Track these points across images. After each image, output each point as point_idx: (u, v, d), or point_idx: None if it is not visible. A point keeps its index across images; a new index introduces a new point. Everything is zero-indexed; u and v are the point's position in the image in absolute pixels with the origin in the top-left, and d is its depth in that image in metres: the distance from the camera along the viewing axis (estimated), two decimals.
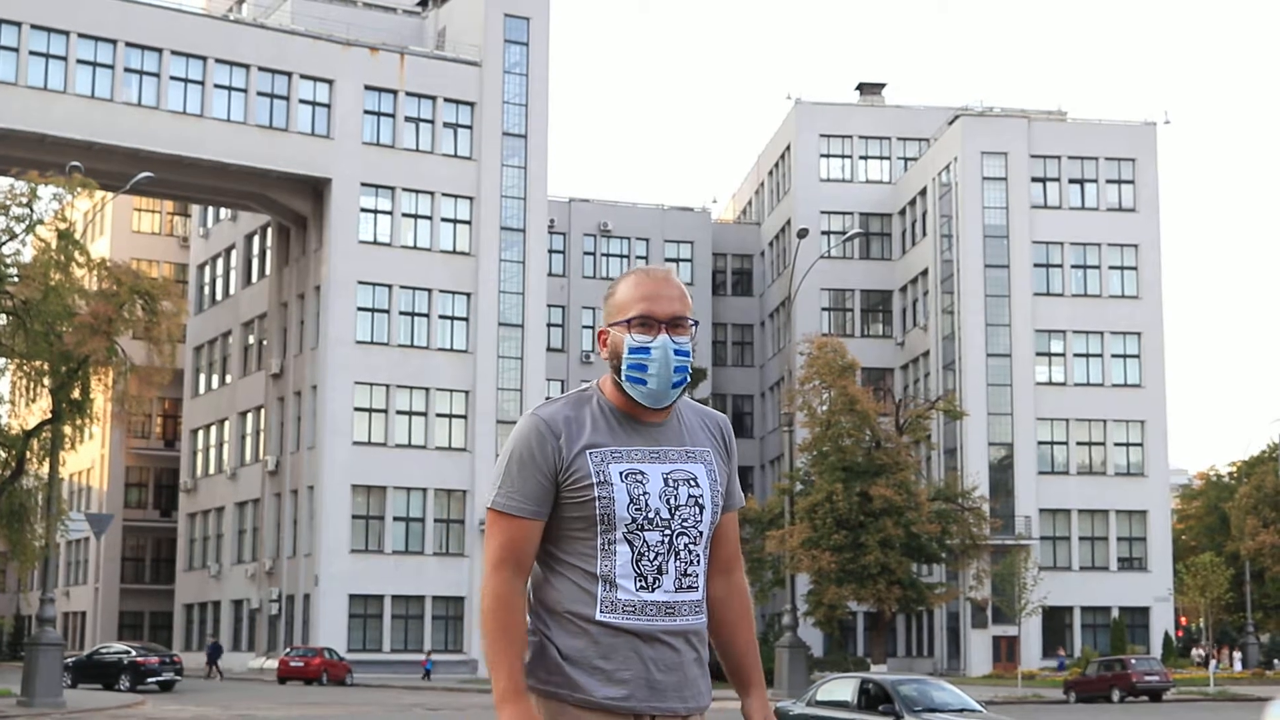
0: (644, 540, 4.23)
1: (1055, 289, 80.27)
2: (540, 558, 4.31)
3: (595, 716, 4.17)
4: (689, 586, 4.29)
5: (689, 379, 4.37)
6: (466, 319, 74.36)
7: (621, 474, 4.24)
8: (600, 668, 4.17)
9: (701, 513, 4.31)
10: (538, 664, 4.23)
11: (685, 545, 4.27)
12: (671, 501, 4.27)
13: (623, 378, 4.30)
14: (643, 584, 4.22)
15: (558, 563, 4.27)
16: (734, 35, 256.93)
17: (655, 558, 4.23)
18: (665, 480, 4.28)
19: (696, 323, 4.39)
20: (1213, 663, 64.88)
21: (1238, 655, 75.45)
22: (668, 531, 4.25)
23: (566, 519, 4.25)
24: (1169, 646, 75.03)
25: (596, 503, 4.21)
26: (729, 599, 4.50)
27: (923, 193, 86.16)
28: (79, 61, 68.07)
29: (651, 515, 4.23)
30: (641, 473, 4.26)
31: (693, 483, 4.32)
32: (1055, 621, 76.36)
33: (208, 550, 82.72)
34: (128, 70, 69.13)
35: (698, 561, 4.32)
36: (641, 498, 4.23)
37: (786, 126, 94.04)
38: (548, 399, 4.41)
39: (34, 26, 67.25)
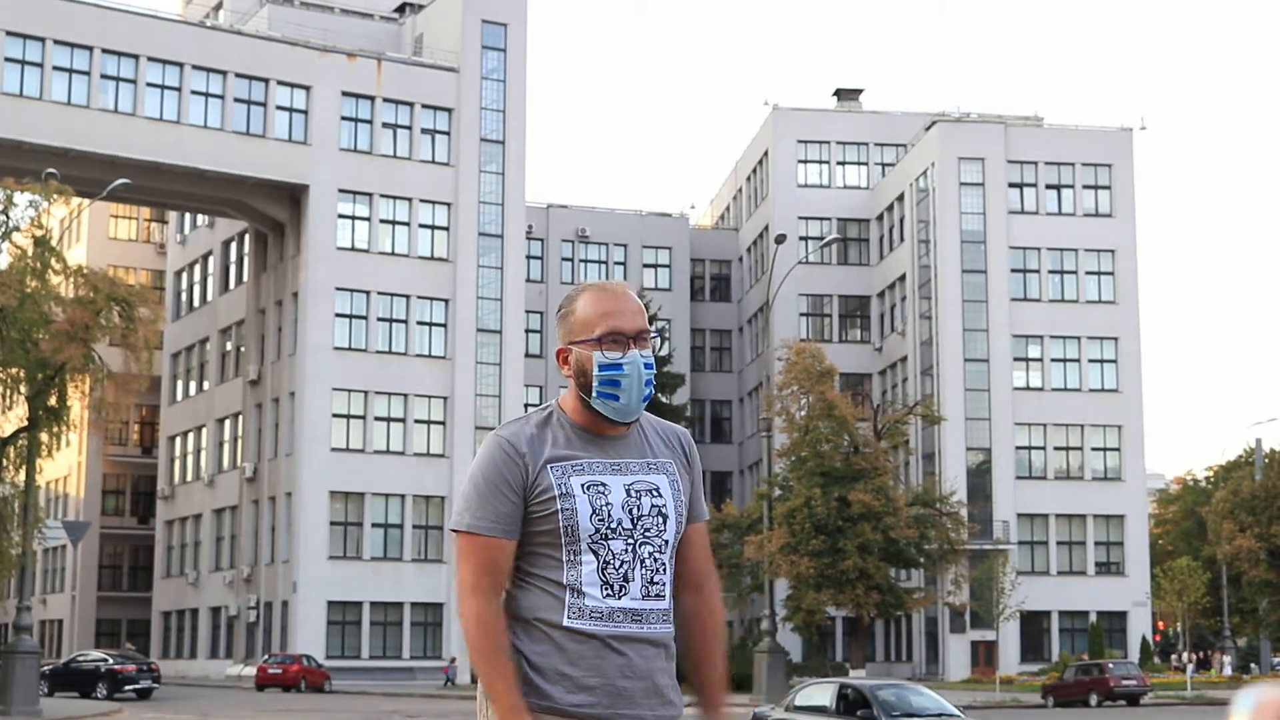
0: (609, 549, 4.25)
1: (1032, 294, 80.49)
2: None
3: None
4: (656, 595, 4.32)
5: (654, 391, 4.41)
6: (445, 325, 74.32)
7: (583, 486, 4.27)
8: (566, 674, 4.19)
9: (665, 522, 4.34)
10: None
11: (650, 554, 4.30)
12: (634, 512, 4.30)
13: (593, 395, 4.33)
14: (609, 591, 4.25)
15: (525, 575, 4.29)
16: (712, 41, 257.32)
17: (621, 565, 4.26)
18: (628, 491, 4.32)
19: (658, 332, 4.44)
20: (1190, 666, 65.12)
21: (1227, 660, 75.73)
22: (631, 540, 4.28)
23: (532, 533, 4.27)
24: (1146, 651, 75.24)
25: (560, 515, 4.24)
26: (701, 616, 4.52)
27: (900, 198, 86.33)
28: (55, 68, 67.90)
29: (614, 525, 4.26)
30: (603, 484, 4.30)
31: (655, 493, 4.35)
32: (1033, 626, 76.48)
33: (185, 557, 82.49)
34: (104, 76, 68.99)
35: (664, 570, 4.34)
36: (604, 508, 4.26)
37: (764, 132, 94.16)
38: (522, 416, 4.43)
39: (9, 33, 67.07)
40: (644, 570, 4.29)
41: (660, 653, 4.33)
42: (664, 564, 4.34)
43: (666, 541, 4.35)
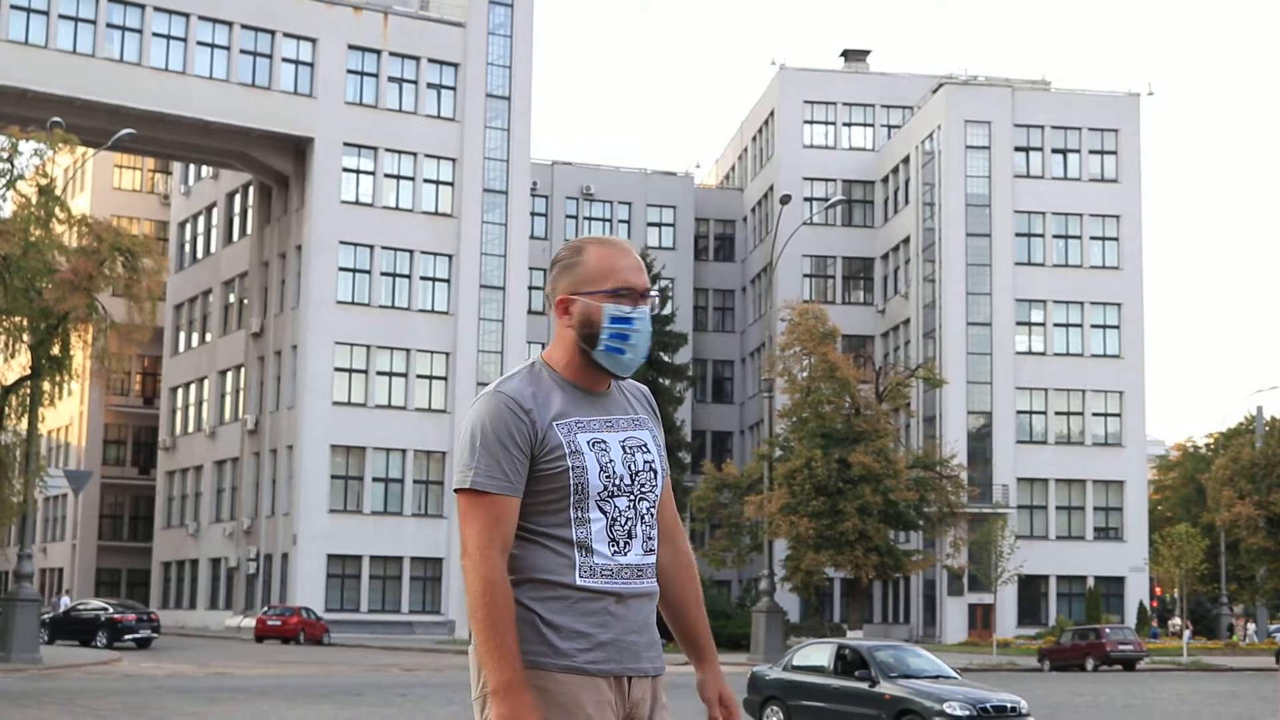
0: (615, 506, 4.27)
1: (1036, 259, 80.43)
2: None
3: (577, 679, 4.19)
4: (650, 550, 4.36)
5: (651, 351, 4.47)
6: (448, 280, 74.31)
7: (589, 443, 4.28)
8: (581, 632, 4.19)
9: (656, 477, 4.39)
10: (519, 633, 4.21)
11: (647, 509, 4.34)
12: (632, 467, 4.32)
13: (600, 346, 4.33)
14: (616, 548, 4.27)
15: (533, 534, 4.26)
16: (719, 0, 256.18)
17: (626, 523, 4.29)
18: (623, 448, 4.34)
19: (658, 294, 4.48)
20: (1187, 633, 65.33)
21: (1251, 627, 75.96)
22: (633, 497, 4.31)
23: (538, 491, 4.25)
24: (1143, 616, 75.47)
25: (570, 472, 4.23)
26: (676, 568, 4.54)
27: (906, 160, 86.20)
28: (61, 16, 67.71)
29: (619, 482, 4.28)
30: (604, 441, 4.31)
31: (644, 449, 4.39)
32: (1031, 590, 76.71)
33: (186, 508, 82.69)
34: (110, 26, 68.80)
35: (656, 525, 4.40)
36: (609, 465, 4.28)
37: (770, 92, 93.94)
38: (511, 373, 4.42)
39: None
40: (643, 526, 4.32)
41: (653, 606, 4.39)
42: (655, 519, 4.39)
43: (658, 496, 4.40)
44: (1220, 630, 77.81)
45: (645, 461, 4.36)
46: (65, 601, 64.78)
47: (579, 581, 4.22)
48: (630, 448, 4.35)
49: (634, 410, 4.46)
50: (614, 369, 4.36)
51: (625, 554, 4.27)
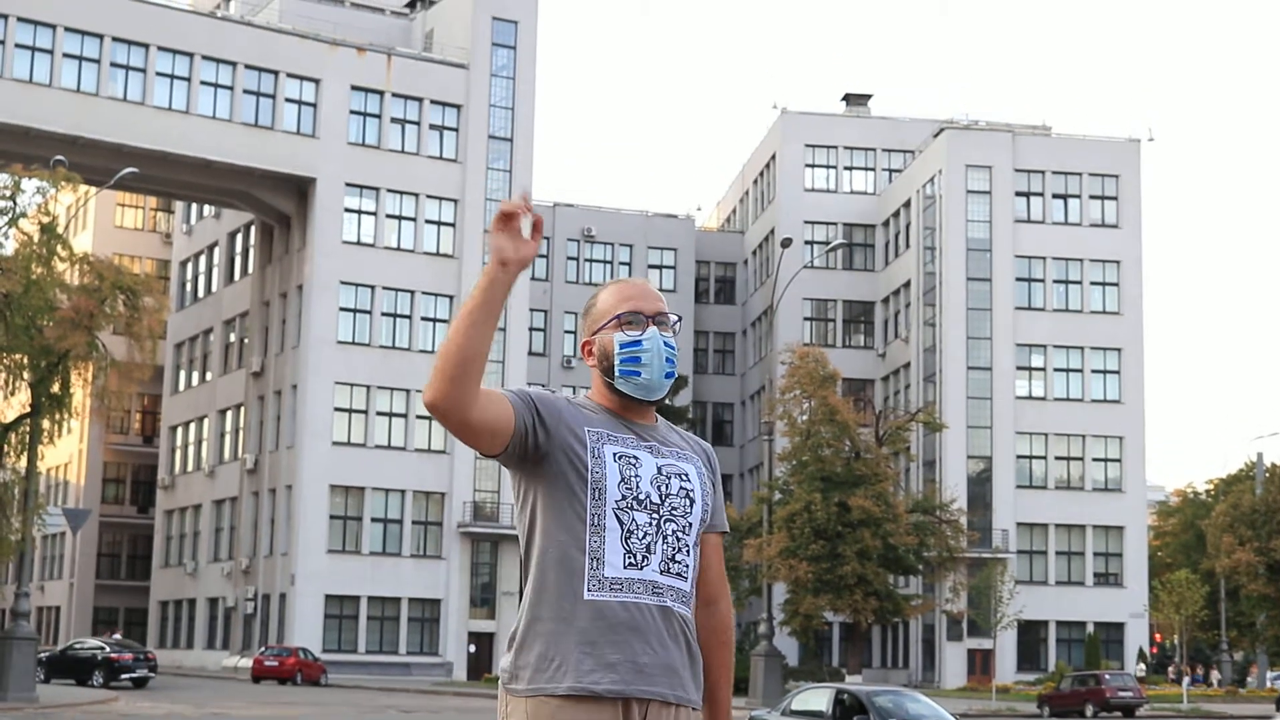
0: (633, 519, 4.27)
1: (1037, 303, 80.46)
2: (528, 549, 4.33)
3: (578, 706, 4.17)
4: (677, 573, 4.32)
5: (676, 374, 4.46)
6: (449, 321, 74.22)
7: (615, 455, 4.30)
8: (589, 653, 4.18)
9: (692, 505, 4.37)
10: (526, 663, 4.23)
11: (673, 531, 4.32)
12: (663, 489, 4.33)
13: (616, 374, 4.38)
14: (631, 561, 4.25)
15: (547, 544, 4.27)
16: (721, 44, 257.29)
17: (644, 537, 4.28)
18: (658, 470, 4.35)
19: (679, 318, 4.49)
20: (1186, 679, 65.11)
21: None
22: (656, 515, 4.30)
23: (556, 493, 4.27)
24: (1145, 663, 75.20)
25: (590, 474, 4.25)
26: (712, 631, 4.53)
27: (906, 204, 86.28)
28: (65, 55, 67.91)
29: (641, 497, 4.29)
30: (635, 457, 4.33)
31: (684, 477, 4.39)
32: (1030, 635, 76.49)
33: (184, 548, 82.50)
34: (114, 65, 68.99)
35: (687, 551, 4.35)
36: (633, 479, 4.29)
37: (772, 135, 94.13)
38: None
39: (20, 19, 67.07)
40: (666, 546, 4.30)
41: (679, 637, 4.31)
42: (687, 546, 4.35)
43: (691, 524, 4.36)
44: (1224, 676, 77.50)
45: (682, 487, 4.36)
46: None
47: (588, 596, 4.21)
48: (667, 473, 4.36)
49: (682, 448, 4.47)
50: (635, 393, 4.38)
51: (641, 569, 4.25)
